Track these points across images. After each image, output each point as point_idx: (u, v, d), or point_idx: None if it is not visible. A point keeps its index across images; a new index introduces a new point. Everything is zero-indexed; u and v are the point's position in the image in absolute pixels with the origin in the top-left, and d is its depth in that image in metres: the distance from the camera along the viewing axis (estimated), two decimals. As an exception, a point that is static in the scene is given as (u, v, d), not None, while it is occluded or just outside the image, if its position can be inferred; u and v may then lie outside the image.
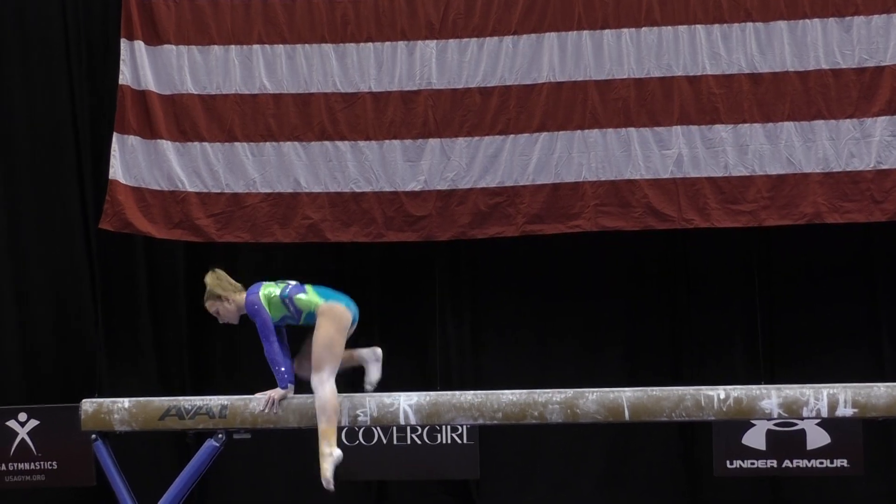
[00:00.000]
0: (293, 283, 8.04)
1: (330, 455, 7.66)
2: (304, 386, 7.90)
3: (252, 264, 11.64)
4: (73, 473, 11.04)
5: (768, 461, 10.69)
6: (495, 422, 7.70)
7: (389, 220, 10.77)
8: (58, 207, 11.69)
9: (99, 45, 11.58)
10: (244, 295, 7.92)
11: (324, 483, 7.66)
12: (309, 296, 7.90)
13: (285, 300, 7.86)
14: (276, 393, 7.74)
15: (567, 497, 11.38)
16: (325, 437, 7.70)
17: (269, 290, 7.89)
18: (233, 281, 8.04)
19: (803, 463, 10.65)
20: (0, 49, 11.68)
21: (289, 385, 7.73)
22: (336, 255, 11.44)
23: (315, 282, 11.49)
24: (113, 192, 10.78)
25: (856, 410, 7.48)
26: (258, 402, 7.76)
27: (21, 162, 11.70)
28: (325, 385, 7.71)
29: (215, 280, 7.97)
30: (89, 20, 11.60)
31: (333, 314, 7.83)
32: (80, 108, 11.58)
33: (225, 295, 7.93)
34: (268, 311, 7.80)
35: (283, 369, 7.72)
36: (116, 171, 10.80)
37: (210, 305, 7.99)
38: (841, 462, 10.60)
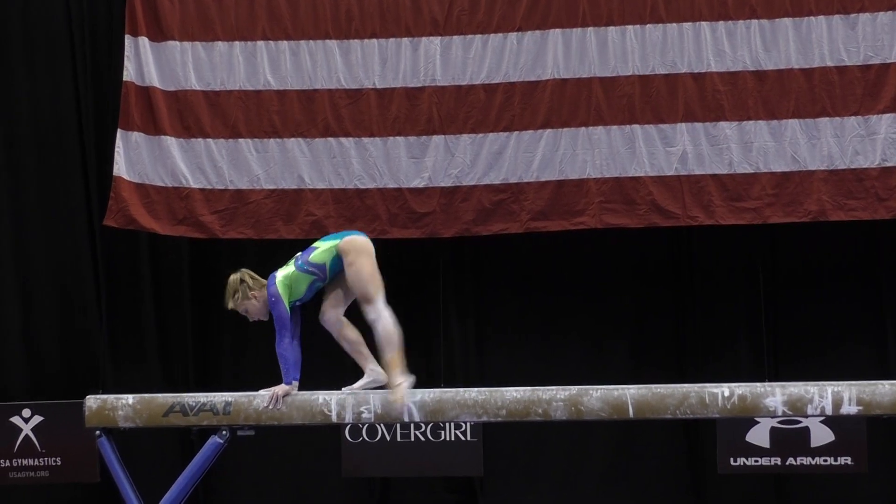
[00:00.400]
0: (299, 252, 8.04)
1: (402, 384, 7.62)
2: (306, 384, 7.88)
3: (256, 260, 11.65)
4: (77, 470, 11.05)
5: (772, 459, 10.69)
6: (499, 419, 7.68)
7: (393, 216, 10.77)
8: (62, 204, 11.69)
9: (103, 42, 11.58)
10: (264, 291, 7.92)
11: (399, 409, 7.59)
12: (321, 247, 7.92)
13: (303, 268, 7.86)
14: (280, 389, 7.74)
15: (571, 494, 11.38)
16: (394, 366, 7.68)
17: (284, 272, 7.89)
18: (256, 276, 8.02)
19: (807, 460, 10.65)
20: (5, 45, 11.69)
21: (293, 381, 7.73)
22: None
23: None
24: (117, 188, 10.79)
25: (860, 408, 7.46)
26: (262, 398, 7.76)
27: (25, 158, 11.71)
28: (382, 314, 7.75)
29: (240, 282, 7.96)
30: (93, 16, 11.61)
31: (357, 246, 7.86)
32: (85, 105, 11.58)
33: (251, 294, 7.93)
34: (287, 299, 7.79)
35: (289, 366, 7.72)
36: (120, 167, 10.80)
37: (239, 306, 7.99)
38: (845, 460, 10.59)
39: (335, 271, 7.92)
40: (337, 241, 7.92)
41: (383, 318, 7.76)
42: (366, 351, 8.01)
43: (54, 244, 11.70)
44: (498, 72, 10.78)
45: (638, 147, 10.62)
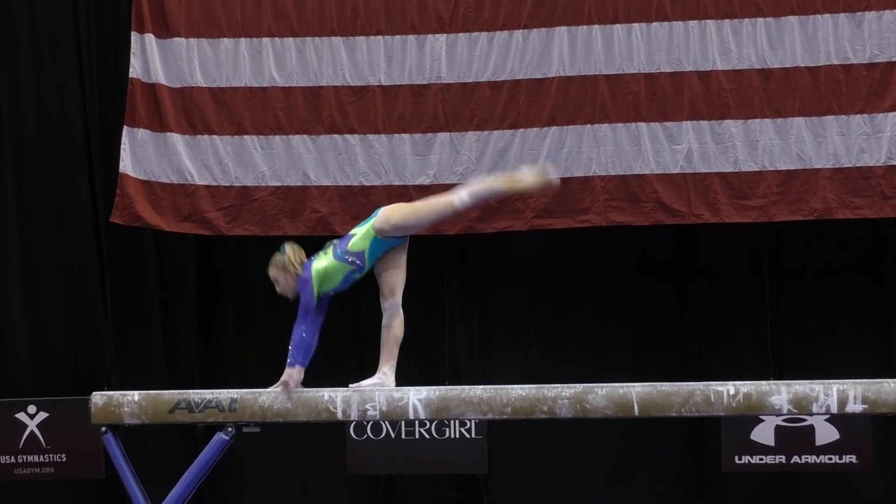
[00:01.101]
0: (336, 240, 8.00)
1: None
2: (312, 382, 7.88)
3: (261, 258, 11.65)
4: (83, 466, 11.07)
5: (777, 457, 10.68)
6: (504, 416, 7.68)
7: (399, 213, 10.76)
8: (68, 201, 11.71)
9: (109, 39, 11.59)
10: (300, 270, 7.90)
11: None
12: (358, 234, 7.87)
13: (341, 258, 7.81)
14: (285, 376, 7.69)
15: (575, 492, 11.38)
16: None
17: (319, 263, 7.82)
18: (304, 256, 7.98)
19: (812, 459, 10.64)
20: (11, 43, 11.70)
21: (297, 365, 7.68)
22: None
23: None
24: (123, 185, 10.80)
25: (865, 406, 7.45)
26: (270, 394, 7.74)
27: (31, 155, 11.72)
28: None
29: (289, 254, 7.91)
30: (100, 14, 11.61)
31: (391, 210, 7.86)
32: (90, 102, 11.59)
33: (291, 270, 7.90)
34: (317, 288, 7.76)
35: (299, 348, 7.68)
36: (126, 164, 10.82)
37: (274, 273, 7.94)
38: (850, 458, 10.59)
39: (375, 255, 7.87)
40: (371, 221, 7.88)
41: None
42: (394, 351, 8.00)
43: (60, 241, 11.71)
44: (503, 69, 10.78)
45: (643, 145, 10.62)
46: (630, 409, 7.57)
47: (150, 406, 7.81)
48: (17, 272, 11.70)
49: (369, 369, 11.21)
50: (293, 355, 7.70)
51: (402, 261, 7.99)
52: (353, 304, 10.70)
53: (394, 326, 7.90)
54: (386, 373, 7.92)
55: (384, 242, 7.88)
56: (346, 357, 11.18)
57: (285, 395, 7.67)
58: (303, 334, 7.70)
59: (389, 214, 7.87)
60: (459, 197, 7.88)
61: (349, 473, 11.13)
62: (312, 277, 7.77)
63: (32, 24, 11.68)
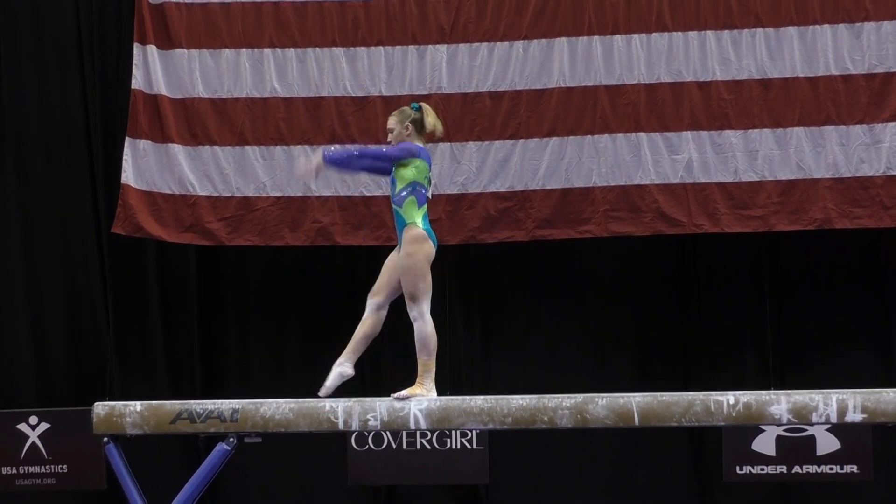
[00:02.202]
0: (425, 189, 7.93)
1: (429, 391, 7.68)
2: (313, 391, 7.89)
3: (262, 267, 11.68)
4: (84, 477, 11.06)
5: (778, 467, 10.69)
6: (505, 426, 7.69)
7: (399, 223, 10.78)
8: (71, 211, 11.71)
9: (112, 50, 11.60)
10: (419, 142, 7.89)
11: (400, 395, 7.64)
12: (413, 203, 7.89)
13: (418, 185, 7.83)
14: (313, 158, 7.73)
15: (576, 502, 11.37)
16: (426, 371, 7.77)
17: (422, 174, 7.85)
18: (428, 129, 7.97)
19: (813, 469, 10.65)
20: (15, 53, 11.71)
21: (324, 151, 7.71)
22: (346, 257, 11.46)
23: (325, 283, 11.56)
24: (125, 196, 10.81)
25: (865, 416, 7.46)
26: (270, 405, 7.74)
27: (34, 166, 11.72)
28: (424, 316, 7.83)
29: (417, 113, 7.94)
30: (102, 25, 11.62)
31: (424, 245, 7.85)
32: (93, 113, 11.60)
33: (409, 125, 7.90)
34: (413, 173, 7.79)
35: (344, 149, 7.71)
36: (128, 175, 10.83)
37: (395, 122, 7.97)
38: (851, 468, 10.60)
39: (393, 183, 7.88)
40: (418, 221, 7.88)
41: (424, 320, 7.81)
42: (358, 348, 7.99)
43: (62, 251, 11.71)
44: (504, 80, 10.81)
45: (643, 155, 10.64)
46: (630, 418, 7.58)
47: (151, 416, 7.82)
48: (19, 282, 11.70)
49: (371, 381, 11.28)
50: (336, 149, 7.74)
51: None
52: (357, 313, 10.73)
53: (416, 329, 7.91)
54: (341, 363, 7.92)
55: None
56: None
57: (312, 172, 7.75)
58: (354, 152, 7.75)
59: (420, 246, 7.86)
60: (420, 312, 7.82)
61: (350, 484, 11.13)
62: (413, 157, 7.78)
63: (36, 36, 11.69)
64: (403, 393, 7.72)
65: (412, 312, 7.85)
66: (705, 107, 10.61)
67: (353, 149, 7.89)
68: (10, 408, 11.37)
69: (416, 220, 7.85)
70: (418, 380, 7.80)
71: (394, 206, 7.91)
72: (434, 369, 7.85)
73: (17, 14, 11.69)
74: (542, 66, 10.77)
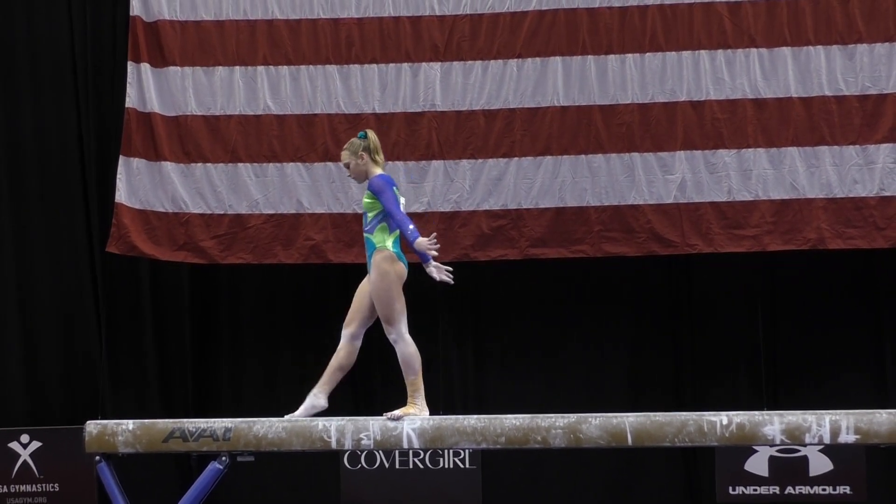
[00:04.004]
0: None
1: (421, 411, 7.65)
2: (298, 404, 7.87)
3: (256, 285, 11.66)
4: (76, 496, 11.03)
5: (771, 487, 10.68)
6: (498, 446, 7.67)
7: (392, 241, 10.76)
8: (64, 230, 11.71)
9: (106, 69, 11.62)
10: (378, 170, 7.85)
11: (392, 415, 7.61)
12: (385, 230, 7.86)
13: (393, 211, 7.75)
14: (421, 246, 7.60)
15: (569, 522, 11.38)
16: (416, 390, 7.72)
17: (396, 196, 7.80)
18: (380, 154, 7.93)
19: (806, 489, 10.64)
20: (9, 72, 11.72)
21: (419, 235, 7.64)
22: (339, 275, 11.45)
23: (318, 301, 11.54)
24: (119, 215, 10.80)
25: (858, 437, 7.45)
26: (263, 424, 7.72)
27: (28, 183, 11.73)
28: (403, 336, 7.77)
29: (365, 141, 7.89)
30: (97, 44, 11.64)
31: (393, 264, 7.79)
32: (87, 131, 11.61)
33: (362, 154, 7.87)
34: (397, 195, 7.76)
35: (412, 227, 7.63)
36: (122, 194, 10.83)
37: (346, 156, 7.95)
38: (844, 489, 10.59)
39: (365, 214, 7.84)
40: (388, 242, 7.84)
41: (404, 341, 7.78)
42: (333, 379, 7.94)
43: (56, 270, 11.71)
44: (498, 98, 10.82)
45: (637, 175, 10.65)
46: (624, 439, 7.56)
47: (144, 435, 7.79)
48: (12, 300, 11.69)
49: (363, 399, 11.26)
50: (412, 230, 7.61)
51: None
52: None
53: (398, 351, 7.88)
54: (316, 394, 7.87)
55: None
56: (342, 384, 11.16)
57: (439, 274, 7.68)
58: (405, 217, 7.65)
59: (391, 266, 7.82)
60: (398, 333, 7.78)
61: (343, 503, 11.11)
62: (389, 187, 7.71)
63: (31, 55, 11.71)
64: (397, 413, 7.70)
65: (391, 335, 7.80)
66: (699, 126, 10.63)
67: (405, 219, 7.71)
68: (2, 426, 11.35)
69: (387, 244, 7.81)
70: (409, 400, 7.78)
71: (365, 234, 7.87)
72: (422, 387, 7.81)
73: (12, 32, 11.71)
74: (536, 85, 10.79)
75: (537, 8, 10.81)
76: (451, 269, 7.79)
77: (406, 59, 10.91)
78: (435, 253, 7.62)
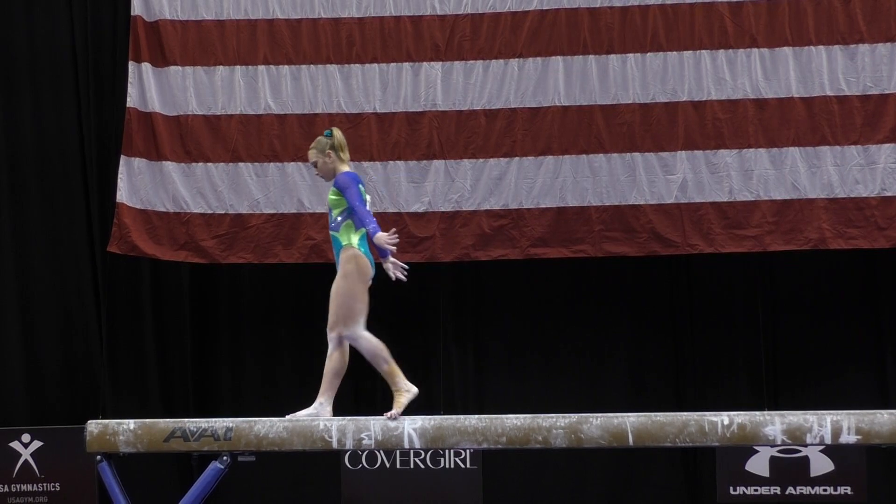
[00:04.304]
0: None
1: (407, 392, 7.64)
2: (299, 404, 7.88)
3: (256, 285, 11.66)
4: (77, 495, 11.04)
5: (772, 488, 10.68)
6: (499, 446, 7.67)
7: (392, 240, 10.75)
8: (64, 229, 11.71)
9: (107, 69, 11.61)
10: (345, 167, 7.83)
11: (391, 415, 7.60)
12: (350, 227, 7.85)
13: (357, 207, 7.71)
14: (379, 240, 7.56)
15: (570, 522, 11.37)
16: (394, 376, 7.71)
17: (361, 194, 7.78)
18: (345, 152, 7.90)
19: (807, 490, 10.64)
20: (10, 71, 11.72)
21: (378, 229, 7.59)
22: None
23: (319, 301, 11.52)
24: (120, 215, 10.80)
25: (859, 437, 7.44)
26: (264, 423, 7.71)
27: (29, 184, 11.73)
28: (363, 335, 7.76)
29: (331, 139, 7.88)
30: (97, 44, 11.63)
31: (360, 263, 7.77)
32: (87, 131, 11.61)
33: (329, 153, 7.86)
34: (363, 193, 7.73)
35: (373, 224, 7.60)
36: (123, 194, 10.83)
37: (313, 155, 7.92)
38: (844, 489, 10.59)
39: (331, 211, 7.81)
40: (354, 240, 7.83)
41: (364, 338, 7.75)
42: (332, 386, 7.93)
43: (56, 270, 11.71)
44: (499, 98, 10.81)
45: (638, 175, 10.64)
46: (624, 439, 7.56)
47: (145, 434, 7.79)
48: (12, 299, 11.69)
49: (364, 398, 11.26)
50: (373, 225, 7.55)
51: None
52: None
53: (361, 349, 7.86)
54: (322, 403, 7.88)
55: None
56: (344, 383, 11.16)
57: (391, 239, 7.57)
58: (368, 212, 7.61)
59: (357, 265, 7.79)
60: (357, 333, 7.76)
61: (344, 503, 11.10)
62: (355, 184, 7.68)
63: (32, 55, 11.71)
64: (394, 411, 7.69)
65: (344, 334, 7.72)
66: (700, 126, 10.62)
67: (367, 213, 7.74)
68: (3, 425, 11.35)
69: (353, 242, 7.80)
70: (394, 389, 7.76)
71: (331, 232, 7.85)
72: (398, 370, 7.75)
73: (13, 33, 11.70)
74: (537, 85, 10.78)
75: (538, 7, 10.81)
76: (406, 266, 7.78)
77: (407, 59, 10.91)
78: (393, 249, 7.57)
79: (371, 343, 7.78)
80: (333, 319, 7.80)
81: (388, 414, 7.68)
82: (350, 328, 7.75)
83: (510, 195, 10.77)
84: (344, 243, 7.78)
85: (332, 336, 7.90)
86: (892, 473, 11.04)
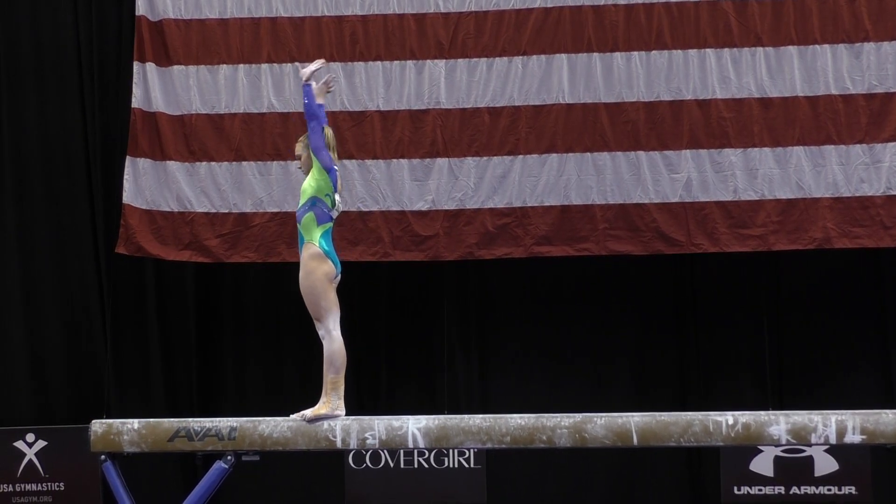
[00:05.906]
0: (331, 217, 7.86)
1: (333, 411, 7.60)
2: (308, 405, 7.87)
3: (261, 284, 11.65)
4: (81, 495, 11.04)
5: (776, 487, 10.68)
6: (504, 446, 7.68)
7: (396, 239, 10.76)
8: (69, 229, 11.70)
9: (111, 70, 11.61)
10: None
11: (303, 414, 7.59)
12: (312, 221, 7.84)
13: (318, 201, 7.76)
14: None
15: (574, 522, 11.36)
16: (334, 388, 7.67)
17: (323, 192, 7.77)
18: (333, 152, 7.84)
19: (811, 490, 10.63)
20: (15, 72, 11.72)
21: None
22: (343, 274, 11.42)
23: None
24: (126, 216, 10.81)
25: (864, 437, 7.45)
26: (268, 423, 7.70)
27: (33, 183, 11.73)
28: (331, 333, 7.75)
29: (326, 134, 7.90)
30: (102, 45, 11.63)
31: (319, 262, 7.75)
32: (92, 131, 11.60)
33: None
34: (333, 157, 7.76)
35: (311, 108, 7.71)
36: (129, 194, 10.82)
37: (299, 148, 7.95)
38: (849, 489, 10.58)
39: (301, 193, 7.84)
40: (316, 239, 7.80)
41: (331, 337, 7.73)
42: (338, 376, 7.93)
43: (61, 270, 11.70)
44: (503, 95, 10.80)
45: (643, 174, 10.63)
46: (629, 438, 7.56)
47: (149, 434, 7.80)
48: (17, 299, 11.69)
49: (366, 396, 11.25)
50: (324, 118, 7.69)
51: None
52: (355, 330, 10.72)
53: (324, 347, 7.84)
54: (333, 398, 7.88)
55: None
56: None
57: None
58: (311, 121, 7.68)
59: (319, 263, 7.78)
60: (326, 330, 7.76)
61: (348, 503, 11.10)
62: (318, 179, 7.71)
63: (36, 56, 11.70)
64: (307, 413, 7.66)
65: (319, 331, 7.77)
66: (705, 125, 10.60)
67: (310, 119, 7.73)
68: (7, 425, 11.35)
69: (315, 238, 7.77)
70: (323, 398, 7.72)
71: (297, 222, 7.84)
72: (342, 387, 7.74)
73: (18, 34, 11.69)
74: (541, 82, 10.77)
75: (542, 5, 10.79)
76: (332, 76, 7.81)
77: (410, 57, 10.89)
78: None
79: (335, 346, 7.75)
80: (310, 313, 7.81)
81: (301, 413, 7.65)
82: (323, 323, 7.75)
83: (514, 193, 10.75)
84: (307, 239, 7.78)
85: (320, 333, 7.91)
86: (898, 473, 11.05)
